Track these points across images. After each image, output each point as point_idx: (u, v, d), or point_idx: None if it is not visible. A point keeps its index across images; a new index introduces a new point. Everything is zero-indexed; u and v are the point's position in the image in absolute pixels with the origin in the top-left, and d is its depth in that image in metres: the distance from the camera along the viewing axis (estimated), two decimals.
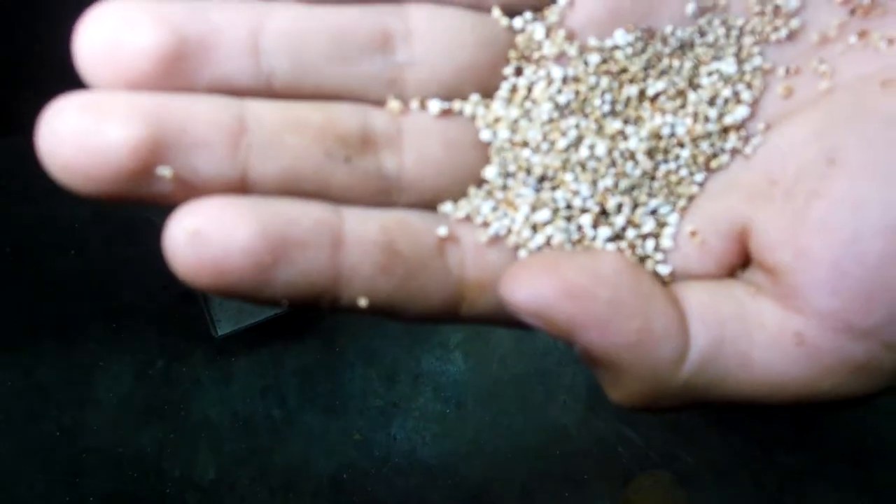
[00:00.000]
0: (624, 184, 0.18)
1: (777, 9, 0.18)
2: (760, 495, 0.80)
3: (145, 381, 0.84)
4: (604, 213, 0.18)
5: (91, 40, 0.15)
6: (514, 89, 0.18)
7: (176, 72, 0.15)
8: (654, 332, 0.16)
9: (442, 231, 0.17)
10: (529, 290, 0.16)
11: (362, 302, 0.16)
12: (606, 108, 0.18)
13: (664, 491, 0.79)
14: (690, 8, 0.18)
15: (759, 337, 0.16)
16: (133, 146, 0.15)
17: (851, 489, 0.79)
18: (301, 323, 0.85)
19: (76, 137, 0.14)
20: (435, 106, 0.17)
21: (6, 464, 0.81)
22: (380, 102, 0.17)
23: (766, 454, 0.81)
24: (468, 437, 0.84)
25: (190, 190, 0.15)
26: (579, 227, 0.18)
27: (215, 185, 0.15)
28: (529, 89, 0.18)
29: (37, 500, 0.80)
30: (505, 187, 0.18)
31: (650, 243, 0.18)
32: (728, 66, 0.18)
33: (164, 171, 0.15)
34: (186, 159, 0.15)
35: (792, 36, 0.18)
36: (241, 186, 0.16)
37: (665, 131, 0.18)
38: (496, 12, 0.18)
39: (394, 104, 0.17)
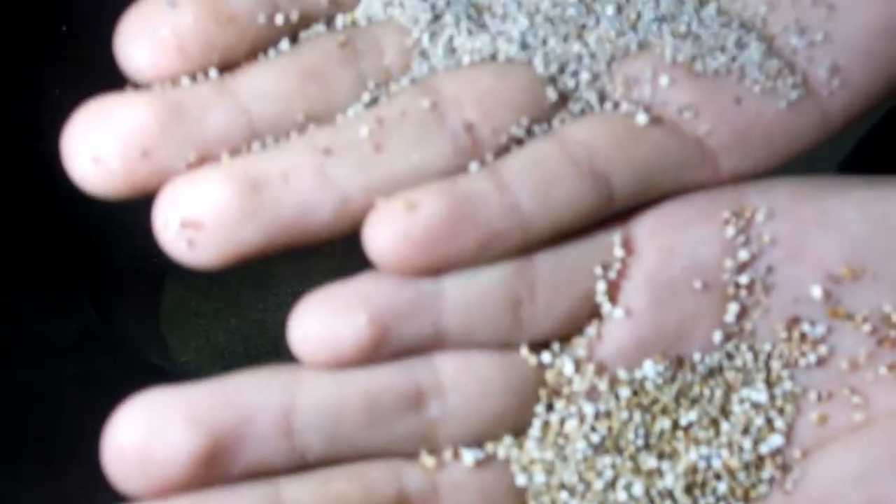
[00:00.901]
0: None
1: (804, 335, 0.18)
2: None
3: None
4: None
5: (120, 446, 0.15)
6: (546, 426, 0.18)
7: (210, 470, 0.15)
8: None
9: None
10: None
11: None
12: (640, 442, 0.18)
13: None
14: (717, 336, 0.18)
15: None
16: None
17: None
18: None
19: None
20: (469, 457, 0.17)
21: None
22: (412, 454, 0.17)
23: None
24: None
25: None
26: None
27: None
28: (561, 424, 0.18)
29: None
30: None
31: None
32: (758, 392, 0.18)
33: None
34: None
35: (821, 362, 0.18)
36: None
37: (701, 465, 0.18)
38: (524, 351, 0.17)
39: (428, 460, 0.17)
